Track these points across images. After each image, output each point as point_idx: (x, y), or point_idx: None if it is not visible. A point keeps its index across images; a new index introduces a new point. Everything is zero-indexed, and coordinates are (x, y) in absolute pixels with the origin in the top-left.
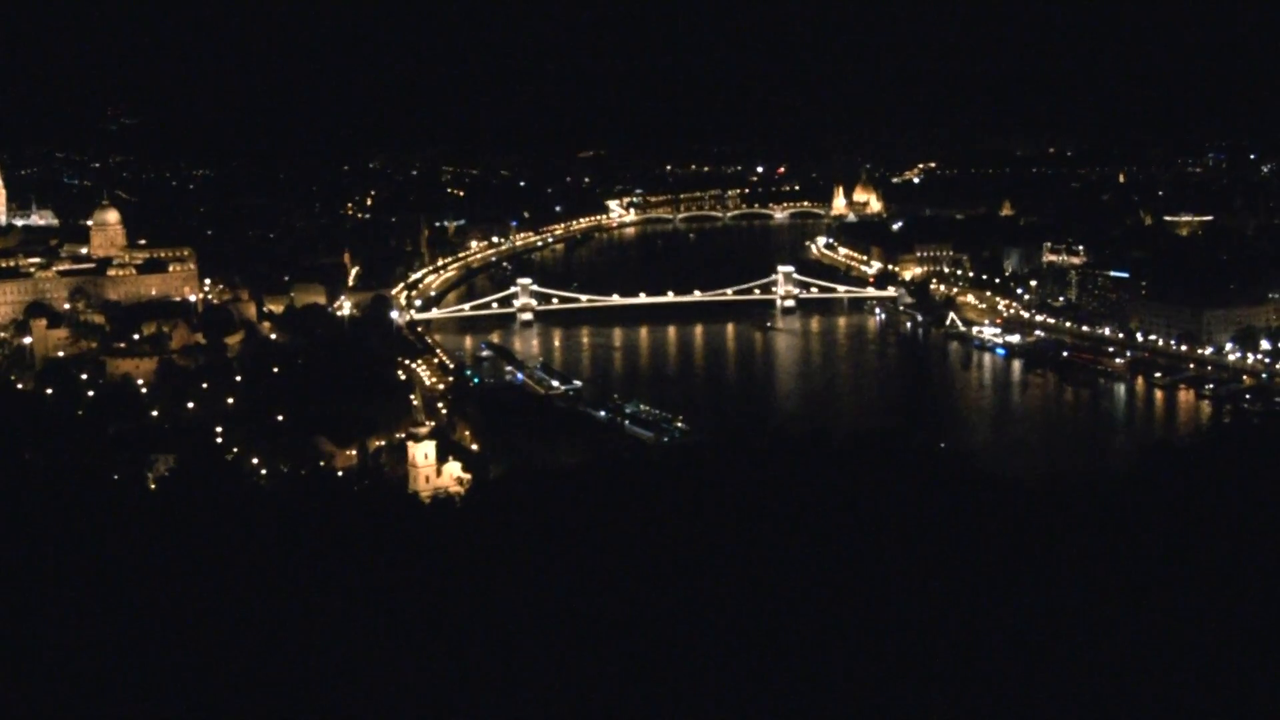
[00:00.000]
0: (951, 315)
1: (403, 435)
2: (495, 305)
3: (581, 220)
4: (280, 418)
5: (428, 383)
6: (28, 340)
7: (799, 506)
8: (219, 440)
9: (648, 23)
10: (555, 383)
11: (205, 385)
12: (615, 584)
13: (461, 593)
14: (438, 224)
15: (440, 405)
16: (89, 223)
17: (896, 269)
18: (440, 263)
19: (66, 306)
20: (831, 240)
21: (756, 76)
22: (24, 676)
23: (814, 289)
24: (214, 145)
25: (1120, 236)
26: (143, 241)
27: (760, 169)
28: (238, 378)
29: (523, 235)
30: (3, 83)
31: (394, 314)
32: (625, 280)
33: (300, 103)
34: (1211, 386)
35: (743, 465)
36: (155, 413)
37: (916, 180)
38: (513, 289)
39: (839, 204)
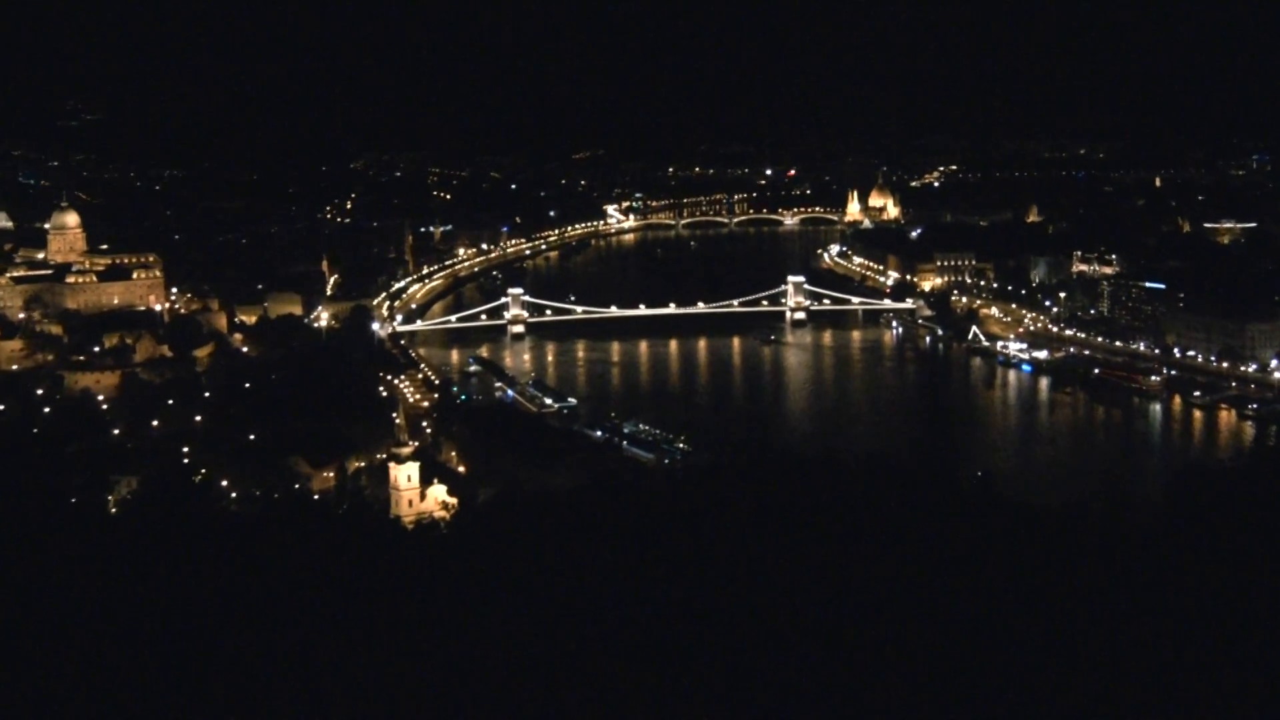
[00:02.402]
0: (974, 329)
1: (384, 456)
2: (484, 317)
3: (577, 226)
4: (252, 437)
5: (411, 400)
6: None
7: (809, 534)
8: (186, 461)
9: (649, 16)
10: (548, 400)
11: (171, 401)
12: (612, 616)
13: (446, 625)
14: (423, 229)
15: (425, 424)
16: (47, 226)
17: (915, 279)
18: (425, 271)
19: (21, 316)
20: (845, 248)
21: (765, 73)
22: None
23: (826, 301)
24: (183, 143)
25: (1156, 245)
26: (105, 246)
27: (769, 172)
28: (206, 394)
29: (514, 242)
30: None
31: (375, 326)
32: (624, 291)
33: (276, 99)
34: (1255, 406)
35: (749, 489)
36: (117, 431)
37: (937, 184)
38: (503, 299)
39: (853, 210)
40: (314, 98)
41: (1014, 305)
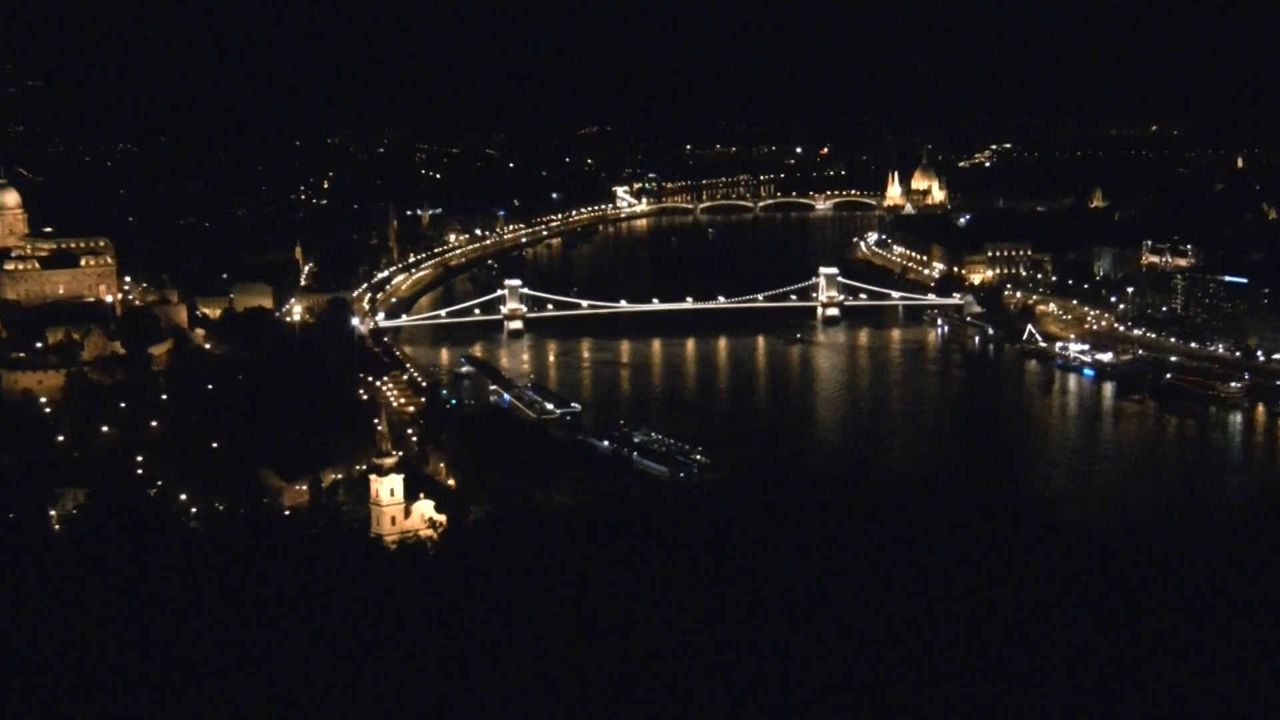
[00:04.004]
0: (1029, 329)
1: (364, 468)
2: (478, 312)
3: (583, 210)
4: (215, 445)
5: (395, 405)
6: None
7: (840, 563)
8: (140, 472)
9: None
10: (549, 406)
11: (124, 405)
12: (618, 651)
13: (432, 656)
14: (409, 213)
15: (410, 432)
16: None
17: (963, 272)
18: (412, 260)
19: None
20: (884, 237)
21: (795, 40)
22: None
23: (862, 295)
24: (137, 114)
25: (1237, 234)
26: (49, 230)
27: (798, 150)
28: (164, 396)
29: (512, 228)
30: None
31: (355, 321)
32: (634, 283)
33: (244, 64)
34: None
35: (773, 510)
36: (62, 438)
37: (988, 165)
38: (499, 292)
39: (893, 193)
40: (287, 64)
41: (1075, 302)
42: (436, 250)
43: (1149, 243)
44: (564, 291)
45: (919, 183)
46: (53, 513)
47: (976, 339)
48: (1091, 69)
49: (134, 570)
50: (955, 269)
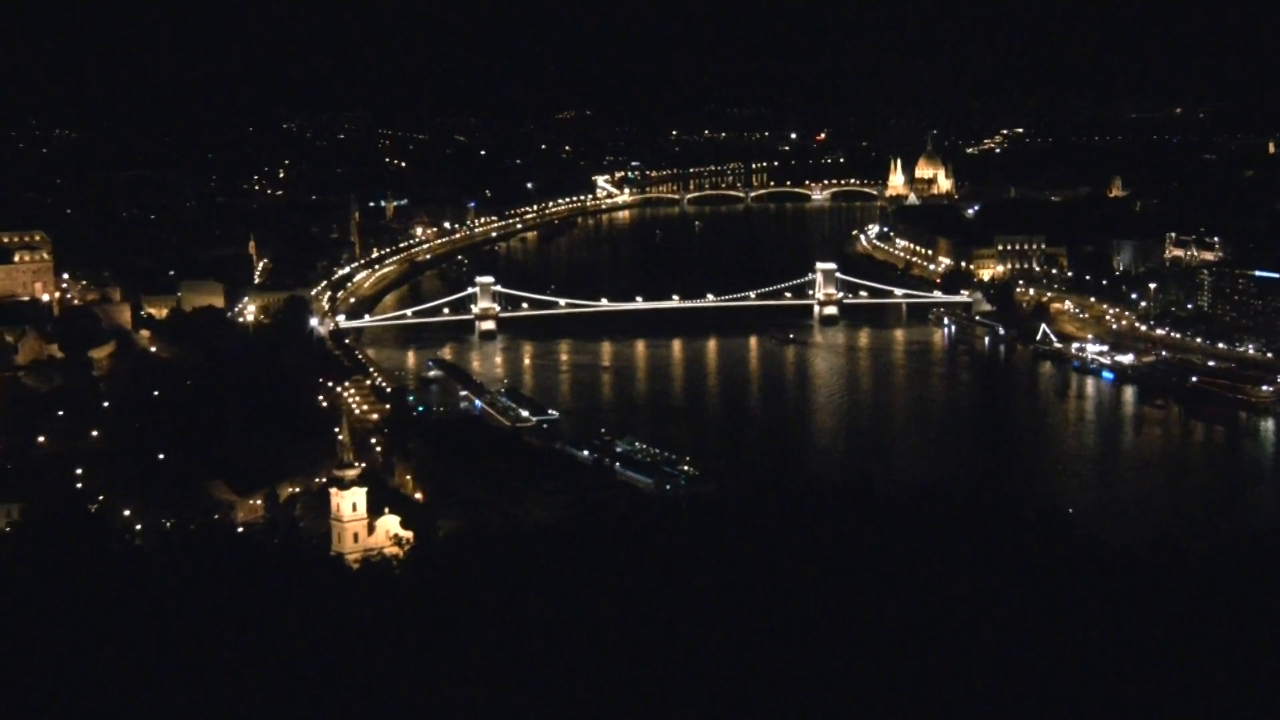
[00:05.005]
0: (1043, 328)
1: (324, 480)
2: (447, 311)
3: (560, 201)
4: (162, 456)
5: (358, 412)
6: None
7: (841, 579)
8: (79, 485)
9: None
10: (525, 413)
11: (62, 413)
12: (598, 674)
13: (397, 683)
14: (372, 205)
15: (374, 441)
16: None
17: (971, 267)
18: (375, 255)
19: None
20: (886, 229)
21: (789, 17)
22: None
23: (863, 293)
24: (76, 96)
25: (1267, 226)
26: None
27: (793, 136)
28: (105, 404)
29: (483, 220)
30: None
31: (314, 321)
32: (617, 280)
33: (192, 42)
34: None
35: (768, 523)
36: None
37: (998, 152)
38: (470, 290)
39: (896, 182)
40: (239, 42)
41: (1093, 299)
42: (402, 245)
43: (1173, 235)
44: (540, 289)
45: (924, 171)
46: None
47: (986, 339)
48: (1109, 47)
49: (74, 591)
50: (963, 264)
